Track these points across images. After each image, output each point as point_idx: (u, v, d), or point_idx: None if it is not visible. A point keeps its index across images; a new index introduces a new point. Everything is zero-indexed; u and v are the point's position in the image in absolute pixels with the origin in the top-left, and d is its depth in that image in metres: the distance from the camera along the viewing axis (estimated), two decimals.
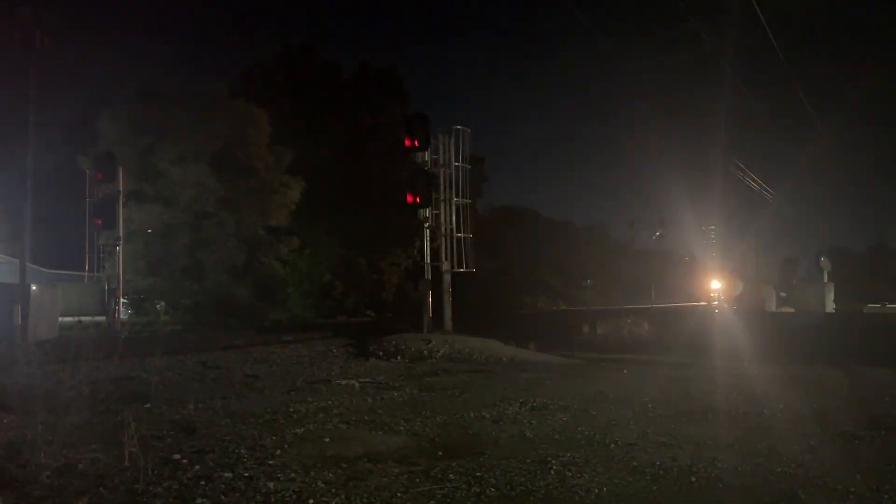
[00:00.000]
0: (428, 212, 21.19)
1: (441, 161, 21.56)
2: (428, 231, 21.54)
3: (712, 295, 44.65)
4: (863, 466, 6.82)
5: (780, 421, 8.99)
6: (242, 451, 7.23)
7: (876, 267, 58.12)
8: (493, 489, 6.06)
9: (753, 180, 35.79)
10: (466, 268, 21.90)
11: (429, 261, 21.62)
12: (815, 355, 16.39)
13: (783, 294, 46.79)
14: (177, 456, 6.95)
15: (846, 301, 39.32)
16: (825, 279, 39.43)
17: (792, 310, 40.99)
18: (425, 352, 17.33)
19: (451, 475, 6.42)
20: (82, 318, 26.87)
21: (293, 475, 6.38)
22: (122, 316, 26.22)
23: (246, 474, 6.39)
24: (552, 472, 6.56)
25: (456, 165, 21.75)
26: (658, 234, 60.41)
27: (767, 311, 40.42)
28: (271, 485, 6.10)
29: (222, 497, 5.81)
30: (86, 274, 25.85)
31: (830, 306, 37.94)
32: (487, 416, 9.27)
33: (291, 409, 9.65)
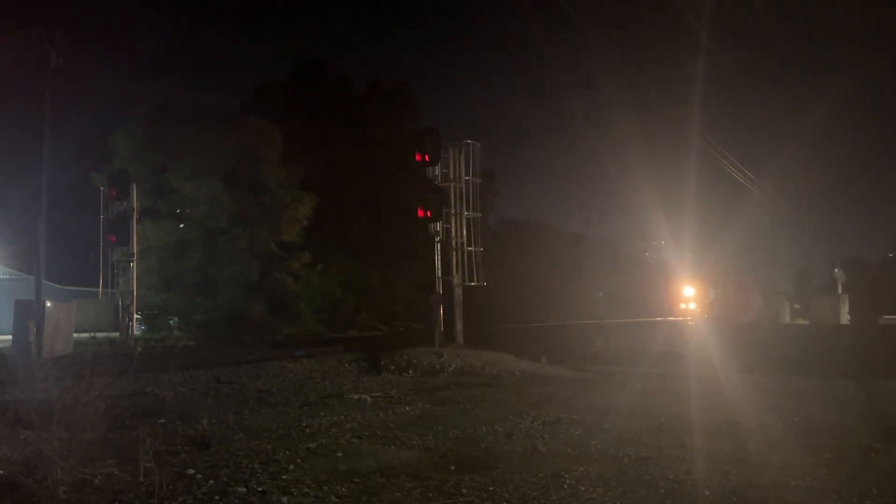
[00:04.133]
0: (439, 226, 21.23)
1: (451, 175, 21.63)
2: (439, 245, 21.56)
3: (684, 305, 43.11)
4: (879, 479, 6.77)
5: (795, 433, 8.93)
6: (256, 465, 7.26)
7: (891, 278, 57.57)
8: (506, 503, 6.06)
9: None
10: (477, 281, 21.90)
11: (440, 275, 21.63)
12: (830, 368, 16.26)
13: (797, 306, 46.33)
14: (191, 471, 6.98)
15: (861, 312, 38.95)
16: (839, 290, 39.12)
17: (806, 321, 40.66)
18: (437, 366, 17.32)
19: (463, 489, 6.42)
20: (96, 335, 27.02)
21: (306, 490, 6.40)
22: (135, 332, 26.36)
23: (260, 489, 6.42)
24: (565, 486, 6.55)
25: (466, 180, 21.81)
26: (647, 253, 59.94)
27: (781, 322, 40.05)
28: (285, 499, 6.12)
29: None
30: (100, 290, 26.02)
31: (845, 318, 37.60)
32: (500, 430, 9.26)
33: (304, 424, 9.68)
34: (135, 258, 25.15)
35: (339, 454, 7.86)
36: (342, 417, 10.30)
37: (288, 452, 7.90)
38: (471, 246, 21.84)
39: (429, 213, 20.71)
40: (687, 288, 43.03)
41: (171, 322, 31.46)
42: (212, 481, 6.64)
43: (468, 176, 21.86)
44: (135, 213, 25.08)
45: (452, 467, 7.28)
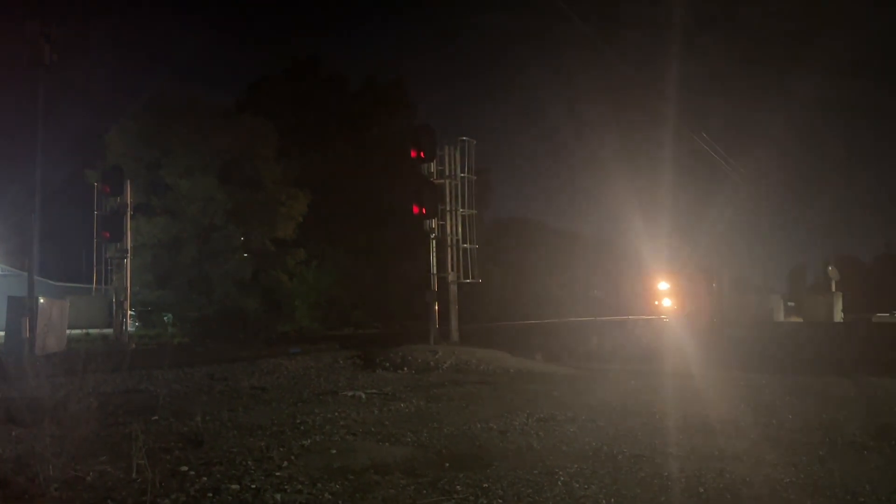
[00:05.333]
0: (434, 223, 21.21)
1: (447, 172, 21.61)
2: (434, 242, 21.56)
3: (657, 302, 42.25)
4: (872, 476, 6.79)
5: (788, 431, 8.95)
6: (249, 462, 7.24)
7: (884, 276, 57.83)
8: (500, 500, 6.05)
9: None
10: (473, 279, 21.89)
11: (435, 272, 21.62)
12: (823, 365, 16.30)
13: (791, 304, 46.43)
14: (184, 468, 6.96)
15: (854, 310, 39.06)
16: (833, 288, 39.20)
17: (800, 319, 40.77)
18: (432, 363, 17.30)
19: (458, 486, 6.41)
20: (90, 331, 26.96)
21: (300, 487, 6.39)
22: (129, 328, 26.29)
23: (253, 486, 6.40)
24: (560, 483, 6.54)
25: (462, 177, 21.80)
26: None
27: (776, 320, 40.11)
28: (278, 497, 6.10)
29: None
30: (94, 287, 25.94)
31: (839, 316, 37.69)
32: (494, 427, 9.25)
33: (298, 421, 9.66)
34: (129, 255, 25.06)
35: (334, 451, 7.85)
36: (336, 414, 10.28)
37: (282, 449, 7.88)
38: (466, 243, 21.83)
39: (424, 210, 20.69)
40: (661, 283, 42.04)
41: (166, 319, 31.39)
42: (205, 478, 6.62)
43: (464, 173, 21.85)
44: (129, 210, 24.98)
45: (447, 464, 7.28)
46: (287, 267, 33.88)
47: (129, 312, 25.78)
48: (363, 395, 12.32)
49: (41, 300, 20.49)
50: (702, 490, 6.34)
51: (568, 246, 54.32)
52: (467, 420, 9.77)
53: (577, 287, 53.46)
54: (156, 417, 9.84)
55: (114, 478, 6.51)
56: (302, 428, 9.22)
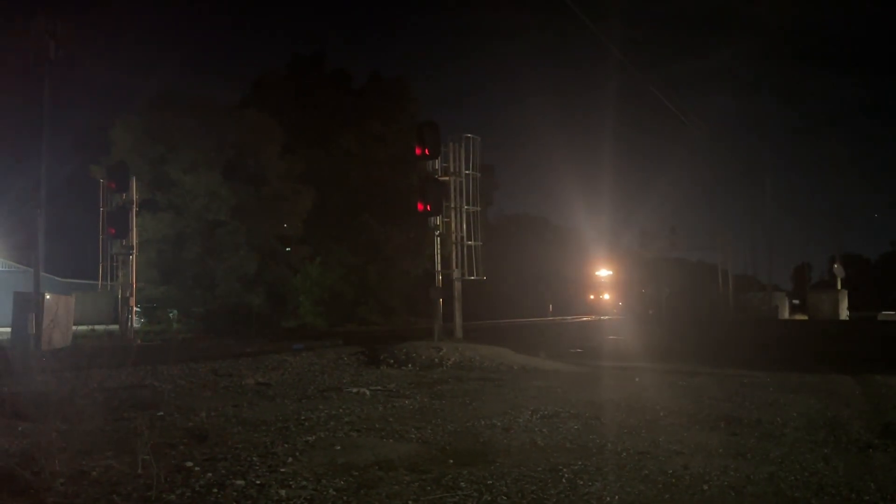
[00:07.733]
0: (438, 220, 21.20)
1: (451, 169, 21.58)
2: (438, 239, 21.55)
3: (594, 297, 41.03)
4: (877, 475, 6.77)
5: (793, 429, 8.93)
6: (254, 458, 7.26)
7: (890, 273, 57.63)
8: (504, 497, 6.04)
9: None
10: (477, 276, 21.87)
11: (439, 268, 21.62)
12: (828, 363, 16.26)
13: (796, 301, 46.35)
14: (189, 464, 6.97)
15: (860, 308, 38.97)
16: (839, 286, 39.10)
17: (805, 317, 40.66)
18: (436, 360, 17.30)
19: (462, 483, 6.41)
20: (96, 327, 27.04)
21: (305, 483, 6.40)
22: (135, 324, 26.37)
23: (258, 482, 6.41)
24: (564, 480, 6.54)
25: (466, 174, 21.76)
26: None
27: (780, 318, 40.04)
28: (283, 492, 6.11)
29: None
30: (99, 283, 26.02)
31: (844, 313, 37.59)
32: (498, 424, 9.25)
33: (303, 417, 9.68)
34: (134, 251, 25.12)
35: (338, 447, 7.86)
36: (341, 411, 10.30)
37: (286, 445, 7.90)
38: (470, 240, 21.80)
39: (429, 207, 20.68)
40: (601, 270, 40.37)
41: (171, 315, 31.50)
42: (210, 474, 6.63)
43: (468, 170, 21.81)
44: (134, 206, 25.03)
45: (451, 461, 7.28)
46: (291, 263, 33.96)
47: (134, 308, 25.88)
48: (367, 392, 12.33)
49: (47, 296, 20.55)
50: (706, 487, 6.34)
51: (570, 242, 54.30)
52: (471, 417, 9.77)
53: (580, 283, 53.41)
54: (160, 413, 9.86)
55: (119, 473, 6.53)
56: (306, 424, 9.24)
